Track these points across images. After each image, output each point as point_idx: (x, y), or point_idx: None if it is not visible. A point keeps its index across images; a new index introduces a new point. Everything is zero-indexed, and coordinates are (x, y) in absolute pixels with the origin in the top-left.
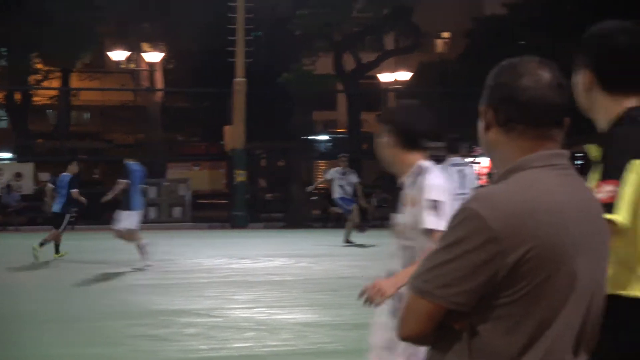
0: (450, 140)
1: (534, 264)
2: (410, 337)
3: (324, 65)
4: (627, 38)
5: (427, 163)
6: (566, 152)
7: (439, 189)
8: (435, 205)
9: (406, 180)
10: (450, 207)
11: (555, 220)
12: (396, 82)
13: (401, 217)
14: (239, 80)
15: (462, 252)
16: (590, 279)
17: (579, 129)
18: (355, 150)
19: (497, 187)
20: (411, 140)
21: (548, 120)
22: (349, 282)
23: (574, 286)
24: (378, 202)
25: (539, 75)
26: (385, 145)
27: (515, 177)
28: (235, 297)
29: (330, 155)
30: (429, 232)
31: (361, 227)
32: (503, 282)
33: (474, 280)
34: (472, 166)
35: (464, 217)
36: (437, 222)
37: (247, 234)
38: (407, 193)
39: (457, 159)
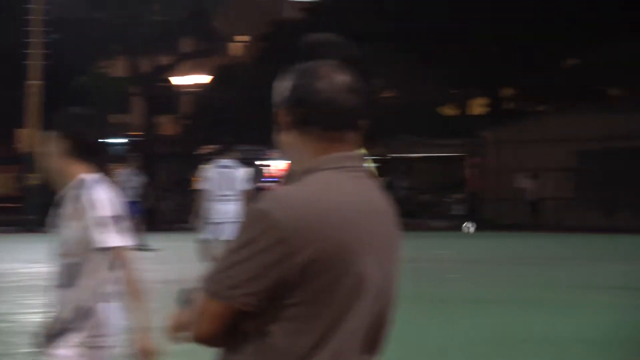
0: (222, 143)
1: (324, 264)
2: (202, 338)
3: (119, 68)
4: (335, 51)
5: (91, 176)
6: (360, 155)
7: (107, 204)
8: (106, 222)
9: (67, 193)
10: (117, 222)
11: (345, 221)
12: (195, 85)
13: (63, 233)
14: (34, 82)
15: (251, 253)
16: (380, 280)
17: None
18: (150, 153)
19: (288, 189)
20: (82, 150)
21: (342, 123)
22: (146, 287)
23: (362, 287)
24: (174, 204)
25: (335, 78)
26: (53, 153)
27: (308, 178)
28: (27, 301)
29: (126, 157)
30: (107, 250)
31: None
32: (292, 282)
33: (263, 281)
34: (243, 168)
35: (254, 218)
36: (114, 239)
37: (41, 238)
38: (69, 207)
39: (226, 161)
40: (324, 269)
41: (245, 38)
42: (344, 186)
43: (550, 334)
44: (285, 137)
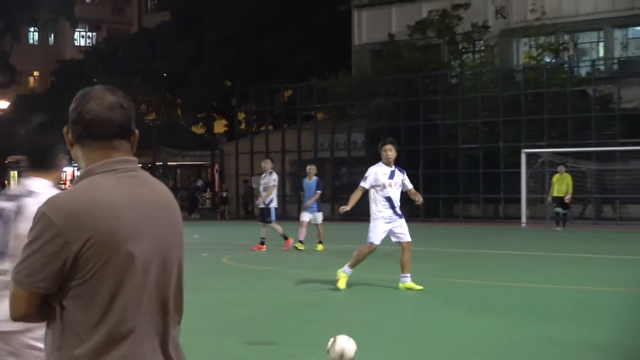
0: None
1: (95, 250)
2: (19, 317)
3: None
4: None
5: None
6: (133, 159)
7: None
8: None
9: None
10: None
11: (109, 213)
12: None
13: None
14: None
15: (38, 247)
16: (157, 256)
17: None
18: None
19: (63, 192)
20: None
21: (110, 134)
22: None
23: (133, 265)
24: None
25: (103, 98)
26: None
27: (82, 182)
28: None
29: None
30: None
31: None
32: (73, 267)
33: (49, 268)
34: None
35: (37, 219)
36: None
37: None
38: None
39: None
40: (96, 253)
41: (37, 73)
42: (110, 186)
43: None
44: (73, 151)
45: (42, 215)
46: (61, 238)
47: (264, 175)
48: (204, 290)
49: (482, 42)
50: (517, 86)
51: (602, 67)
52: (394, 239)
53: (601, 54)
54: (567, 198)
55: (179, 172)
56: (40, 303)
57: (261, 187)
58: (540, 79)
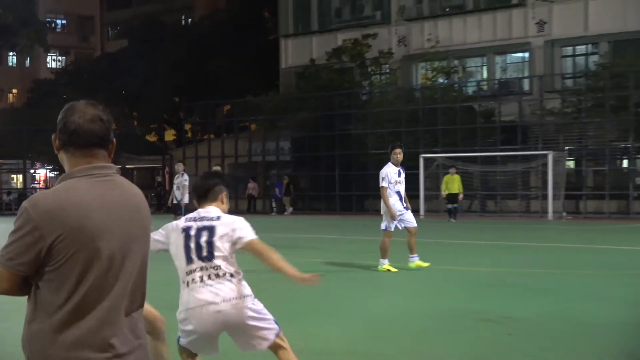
0: None
1: (66, 243)
2: (1, 292)
3: None
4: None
5: None
6: (109, 165)
7: None
8: None
9: None
10: None
11: (80, 212)
12: None
13: None
14: None
15: (19, 236)
16: (118, 250)
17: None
18: None
19: (44, 192)
20: None
21: (90, 144)
22: None
23: (98, 257)
24: None
25: (85, 112)
26: None
27: (62, 184)
28: None
29: None
30: None
31: None
32: (47, 255)
33: (27, 255)
34: None
35: (20, 212)
36: None
37: None
38: None
39: None
40: (67, 246)
41: (16, 90)
42: (84, 188)
43: None
44: (59, 156)
45: (24, 210)
46: (38, 231)
47: (177, 176)
48: (154, 271)
49: (387, 65)
50: (416, 102)
51: (485, 87)
52: (402, 226)
53: (485, 75)
54: (460, 197)
55: (135, 173)
56: (22, 282)
57: (175, 186)
58: (435, 97)
